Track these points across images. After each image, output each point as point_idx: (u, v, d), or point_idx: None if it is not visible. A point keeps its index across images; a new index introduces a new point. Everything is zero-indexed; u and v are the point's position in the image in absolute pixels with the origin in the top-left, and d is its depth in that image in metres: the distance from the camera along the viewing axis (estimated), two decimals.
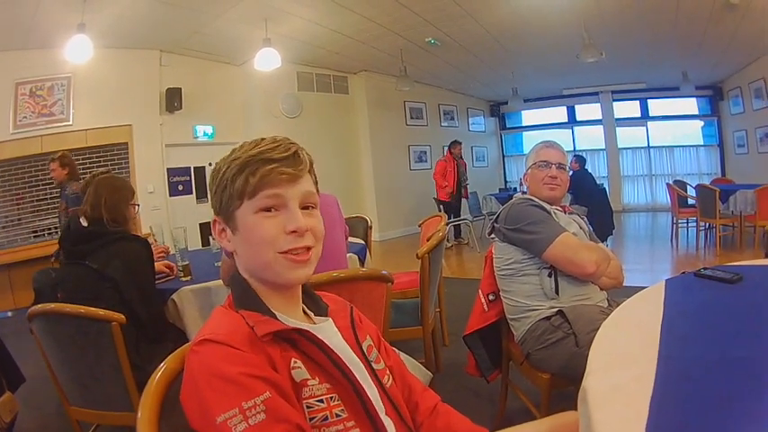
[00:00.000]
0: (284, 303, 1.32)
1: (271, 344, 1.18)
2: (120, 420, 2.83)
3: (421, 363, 2.77)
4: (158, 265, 3.60)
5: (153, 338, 3.08)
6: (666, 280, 2.00)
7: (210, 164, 10.61)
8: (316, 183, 1.37)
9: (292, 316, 1.32)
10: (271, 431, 1.04)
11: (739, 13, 8.87)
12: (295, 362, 1.19)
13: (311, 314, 1.42)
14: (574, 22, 9.14)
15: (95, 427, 3.17)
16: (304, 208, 1.30)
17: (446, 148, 11.98)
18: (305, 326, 1.28)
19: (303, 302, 1.41)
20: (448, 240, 11.27)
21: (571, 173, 9.55)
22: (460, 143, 11.88)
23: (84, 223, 3.12)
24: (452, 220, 11.23)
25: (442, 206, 11.40)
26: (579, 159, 10.57)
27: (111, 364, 2.65)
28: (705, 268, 2.05)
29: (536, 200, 2.92)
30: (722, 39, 10.39)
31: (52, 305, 2.69)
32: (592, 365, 1.33)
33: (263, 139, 1.32)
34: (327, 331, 1.35)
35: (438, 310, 4.61)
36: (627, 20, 9.45)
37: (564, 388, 2.70)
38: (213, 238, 5.27)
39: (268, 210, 1.26)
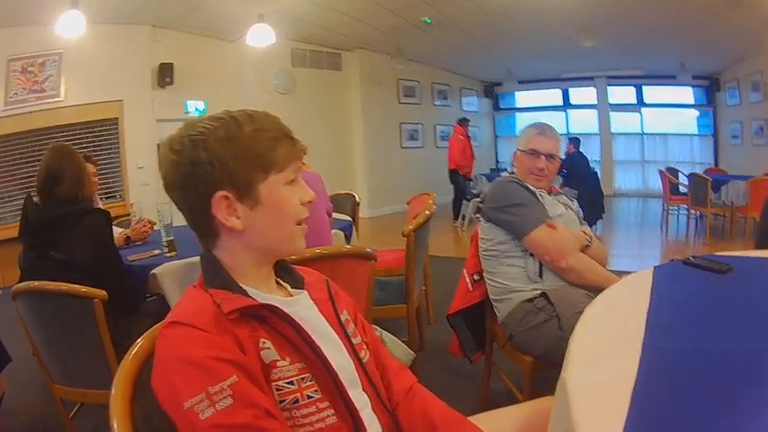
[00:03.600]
0: (263, 279, 1.33)
1: (238, 323, 1.16)
2: (103, 398, 2.77)
3: (404, 341, 2.78)
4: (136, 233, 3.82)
5: (127, 311, 3.08)
6: (655, 267, 1.96)
7: None
8: None
9: (266, 290, 1.30)
10: (238, 416, 1.03)
11: (741, 6, 8.84)
12: (264, 342, 1.18)
13: (287, 286, 1.40)
14: (571, 6, 9.11)
15: (79, 406, 3.19)
16: None
17: (455, 125, 11.87)
18: (276, 300, 1.27)
19: (278, 275, 1.41)
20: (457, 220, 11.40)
21: (564, 157, 9.52)
22: (469, 120, 11.95)
23: (37, 201, 3.07)
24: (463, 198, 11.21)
25: (461, 183, 11.40)
26: (575, 142, 10.58)
27: (93, 342, 2.65)
28: (694, 257, 2.01)
29: (521, 180, 2.91)
30: (722, 30, 10.38)
31: (35, 283, 2.67)
32: (572, 355, 1.30)
33: (254, 111, 1.30)
34: (302, 304, 1.35)
35: (424, 288, 4.63)
36: (625, 6, 9.43)
37: (546, 371, 2.69)
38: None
39: (291, 182, 1.29)
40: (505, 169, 12.43)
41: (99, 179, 3.56)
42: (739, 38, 10.71)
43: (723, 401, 1.03)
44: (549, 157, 2.92)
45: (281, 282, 1.41)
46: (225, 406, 1.02)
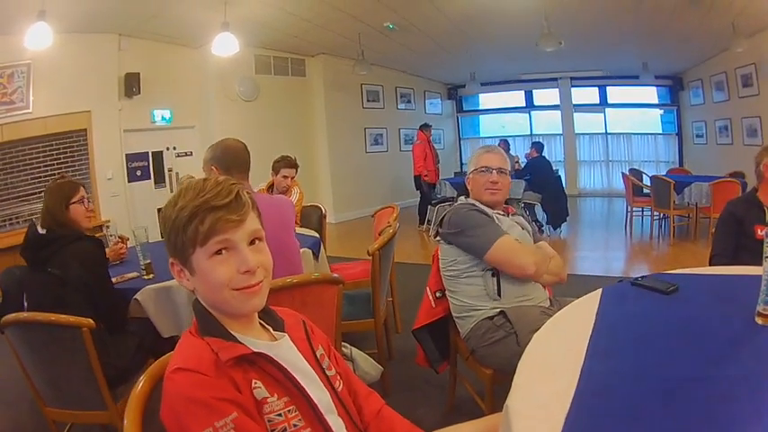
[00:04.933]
0: (242, 326, 1.46)
1: (233, 367, 1.32)
2: (93, 419, 3.01)
3: (373, 354, 2.90)
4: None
5: (116, 329, 3.22)
6: (603, 288, 2.08)
7: (168, 148, 10.64)
8: (259, 215, 1.47)
9: (251, 335, 1.46)
10: None
11: (704, 7, 8.97)
12: (255, 382, 1.35)
13: (269, 329, 1.55)
14: (534, 10, 9.13)
15: (70, 426, 3.29)
16: (251, 243, 1.41)
17: (418, 131, 12.06)
18: (263, 345, 1.44)
19: (261, 318, 1.55)
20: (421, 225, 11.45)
21: (526, 161, 9.62)
22: (431, 126, 12.11)
23: (42, 231, 3.28)
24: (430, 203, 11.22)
25: (425, 189, 11.51)
26: (537, 146, 10.72)
27: (83, 367, 2.78)
28: (643, 277, 2.15)
29: (478, 204, 3.08)
30: (685, 32, 10.50)
31: (25, 314, 2.80)
32: (517, 380, 1.45)
33: (205, 180, 1.41)
34: (284, 346, 1.52)
35: (390, 299, 4.75)
36: (588, 10, 9.55)
37: (507, 382, 2.83)
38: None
39: (219, 252, 1.36)
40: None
41: None
42: (701, 39, 10.86)
43: (651, 425, 1.14)
44: (500, 171, 3.11)
45: (264, 324, 1.56)
46: None
